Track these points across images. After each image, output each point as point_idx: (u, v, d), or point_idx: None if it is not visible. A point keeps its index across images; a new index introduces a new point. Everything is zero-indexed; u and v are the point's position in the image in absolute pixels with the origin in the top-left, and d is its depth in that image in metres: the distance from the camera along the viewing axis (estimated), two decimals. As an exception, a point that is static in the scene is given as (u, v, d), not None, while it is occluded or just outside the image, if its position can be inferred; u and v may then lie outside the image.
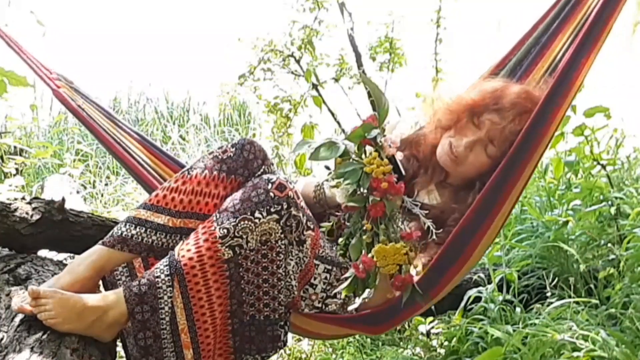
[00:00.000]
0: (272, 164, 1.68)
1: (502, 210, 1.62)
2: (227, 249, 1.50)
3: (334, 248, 1.71)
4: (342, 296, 1.69)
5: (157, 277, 1.48)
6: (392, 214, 1.50)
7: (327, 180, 1.60)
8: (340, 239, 1.56)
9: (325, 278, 1.68)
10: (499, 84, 1.80)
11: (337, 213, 1.78)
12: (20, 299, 1.48)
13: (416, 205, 1.53)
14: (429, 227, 1.51)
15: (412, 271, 1.55)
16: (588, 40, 1.61)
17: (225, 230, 1.50)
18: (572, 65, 1.61)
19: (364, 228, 1.49)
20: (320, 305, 1.69)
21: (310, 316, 1.70)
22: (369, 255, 1.47)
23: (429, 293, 1.58)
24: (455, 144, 1.74)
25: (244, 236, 1.51)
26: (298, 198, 1.57)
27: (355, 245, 1.50)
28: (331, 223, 1.69)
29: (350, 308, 1.61)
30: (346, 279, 1.51)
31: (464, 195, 1.74)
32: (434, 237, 1.50)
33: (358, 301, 1.57)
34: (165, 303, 1.48)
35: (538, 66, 1.89)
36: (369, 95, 4.73)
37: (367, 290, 1.51)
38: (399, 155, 1.53)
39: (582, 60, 1.61)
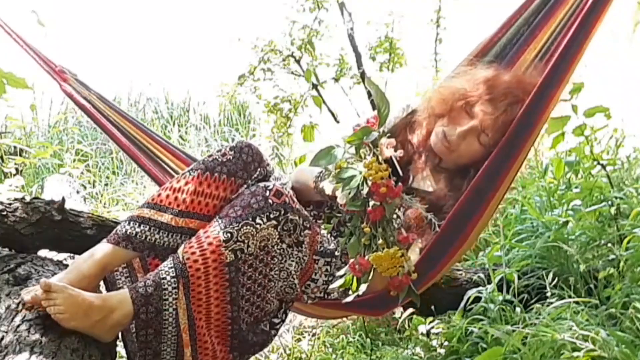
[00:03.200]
0: (269, 165, 1.71)
1: (495, 196, 1.68)
2: (229, 253, 1.53)
3: (332, 239, 1.75)
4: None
5: (163, 278, 1.50)
6: (391, 217, 1.55)
7: (324, 176, 1.64)
8: (341, 239, 1.61)
9: (326, 270, 1.72)
10: (491, 73, 1.82)
11: (334, 204, 1.81)
12: (30, 291, 1.49)
13: (414, 199, 1.58)
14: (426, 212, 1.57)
15: (413, 256, 1.61)
16: (584, 28, 1.62)
17: (229, 234, 1.53)
18: (567, 53, 1.62)
19: (363, 230, 1.54)
20: (322, 294, 1.74)
21: (313, 304, 1.76)
22: (366, 258, 1.52)
23: (426, 276, 1.65)
24: (449, 132, 1.78)
25: (246, 241, 1.54)
26: (294, 202, 1.61)
27: (354, 244, 1.56)
28: (332, 225, 1.73)
29: (345, 301, 1.65)
30: (340, 275, 1.58)
31: (459, 183, 1.78)
32: (436, 228, 1.57)
33: (352, 296, 1.60)
34: (170, 304, 1.50)
35: (530, 48, 1.90)
36: (369, 95, 4.73)
37: (362, 286, 1.56)
38: (399, 153, 1.55)
39: (577, 48, 1.62)
